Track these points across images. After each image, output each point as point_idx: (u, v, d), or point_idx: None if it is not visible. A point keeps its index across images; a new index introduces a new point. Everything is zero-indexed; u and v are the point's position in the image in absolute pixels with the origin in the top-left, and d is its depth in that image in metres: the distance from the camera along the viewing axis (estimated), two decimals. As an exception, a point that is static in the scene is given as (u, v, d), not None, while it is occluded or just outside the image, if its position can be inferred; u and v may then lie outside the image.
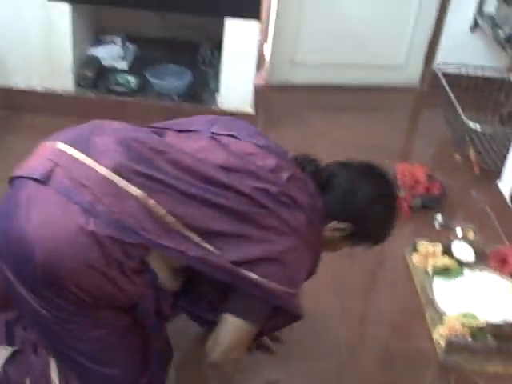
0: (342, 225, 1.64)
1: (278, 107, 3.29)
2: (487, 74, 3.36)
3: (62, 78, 2.95)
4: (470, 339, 2.05)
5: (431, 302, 2.21)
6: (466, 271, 2.36)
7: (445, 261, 2.34)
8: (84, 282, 1.40)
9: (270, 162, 1.56)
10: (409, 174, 2.71)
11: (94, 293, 1.42)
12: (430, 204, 2.69)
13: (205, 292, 1.66)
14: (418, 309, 2.23)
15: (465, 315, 2.12)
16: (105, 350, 1.55)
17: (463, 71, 3.35)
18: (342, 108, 3.39)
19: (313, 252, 1.60)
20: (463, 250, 2.41)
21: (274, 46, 3.38)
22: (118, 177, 1.42)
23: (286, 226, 1.51)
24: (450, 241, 2.43)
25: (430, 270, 2.32)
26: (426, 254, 2.37)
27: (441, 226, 2.60)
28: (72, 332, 1.49)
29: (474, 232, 2.51)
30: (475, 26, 3.54)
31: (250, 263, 1.47)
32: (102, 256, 1.39)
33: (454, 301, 2.21)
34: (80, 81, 2.98)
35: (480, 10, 3.51)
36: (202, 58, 3.23)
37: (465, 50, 3.50)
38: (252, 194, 1.49)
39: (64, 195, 1.40)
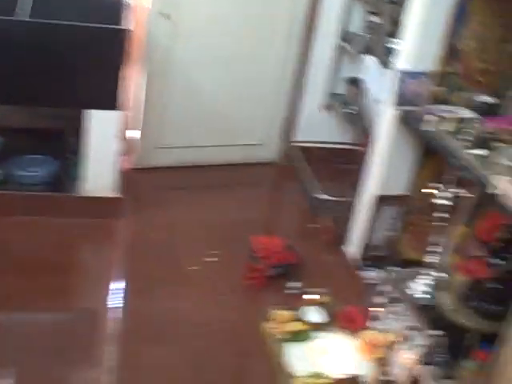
0: None
1: (146, 189, 3.43)
2: (338, 147, 3.67)
3: None
4: (317, 397, 2.20)
5: (283, 366, 2.34)
6: (318, 333, 2.52)
7: (297, 325, 2.50)
8: None
9: None
10: (265, 245, 2.89)
11: None
12: (285, 272, 2.86)
13: None
14: (271, 374, 2.34)
15: (312, 375, 2.28)
16: None
17: (317, 146, 3.64)
18: (207, 186, 3.58)
19: None
20: (315, 314, 2.58)
21: (140, 131, 3.55)
22: None
23: None
24: (304, 306, 2.60)
25: (283, 335, 2.47)
26: (281, 320, 2.52)
27: (296, 292, 2.77)
28: None
29: (326, 295, 2.69)
30: (327, 105, 3.86)
31: None
32: None
33: (305, 362, 2.36)
34: None
35: (331, 92, 3.84)
36: (67, 147, 3.35)
37: (318, 127, 3.80)
38: None
39: None
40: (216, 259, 2.92)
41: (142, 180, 3.46)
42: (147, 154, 3.58)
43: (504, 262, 2.34)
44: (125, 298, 2.64)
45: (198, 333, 2.48)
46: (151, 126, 3.54)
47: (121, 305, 2.59)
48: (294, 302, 2.64)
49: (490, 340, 2.12)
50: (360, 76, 3.37)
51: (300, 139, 3.71)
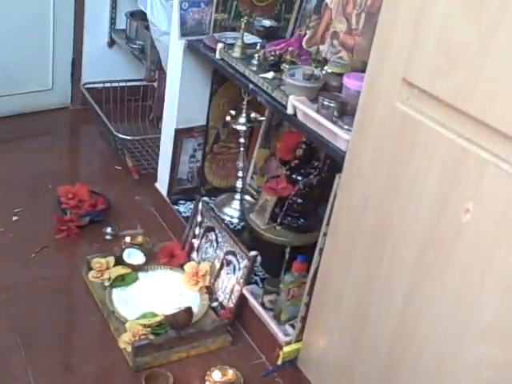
0: None
1: None
2: (131, 84, 3.59)
3: None
4: (152, 337, 2.22)
5: (112, 314, 2.33)
6: (141, 274, 2.52)
7: (118, 270, 2.48)
8: None
9: None
10: (71, 195, 2.79)
11: None
12: (97, 219, 2.81)
13: None
14: (102, 324, 2.32)
15: (144, 316, 2.30)
16: None
17: (109, 86, 3.52)
18: (-3, 141, 3.33)
19: None
20: (134, 256, 2.57)
21: None
22: None
23: None
24: (121, 250, 2.58)
25: (106, 283, 2.44)
26: (100, 268, 2.48)
27: (112, 237, 2.74)
28: None
29: (142, 235, 2.69)
30: (112, 42, 3.73)
31: None
32: None
33: (134, 306, 2.36)
34: None
35: (113, 27, 3.70)
36: None
37: (107, 66, 3.67)
38: None
39: None
40: (21, 218, 2.77)
41: None
42: None
43: (303, 178, 2.48)
44: None
45: (11, 298, 2.36)
46: None
47: None
48: (112, 247, 2.61)
49: (304, 252, 2.28)
50: (142, 9, 3.29)
51: (90, 80, 3.57)
